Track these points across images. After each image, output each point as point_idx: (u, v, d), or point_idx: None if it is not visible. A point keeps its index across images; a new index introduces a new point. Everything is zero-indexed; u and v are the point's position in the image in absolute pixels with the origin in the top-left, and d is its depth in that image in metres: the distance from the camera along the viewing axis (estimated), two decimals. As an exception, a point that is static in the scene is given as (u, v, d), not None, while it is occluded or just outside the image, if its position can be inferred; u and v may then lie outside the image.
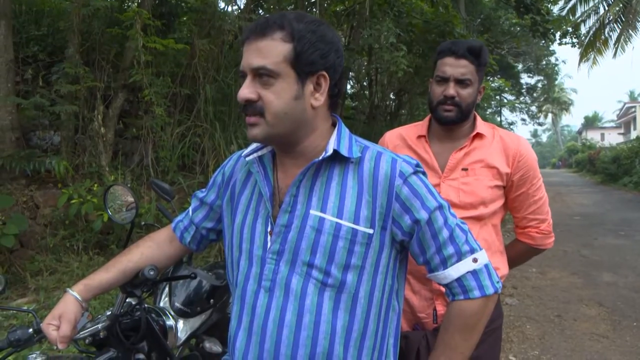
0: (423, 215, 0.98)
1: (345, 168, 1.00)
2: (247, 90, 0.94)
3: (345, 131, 1.05)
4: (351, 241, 0.96)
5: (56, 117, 4.61)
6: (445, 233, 1.00)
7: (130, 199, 1.51)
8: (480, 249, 1.04)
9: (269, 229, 1.01)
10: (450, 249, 1.01)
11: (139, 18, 4.52)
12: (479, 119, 1.61)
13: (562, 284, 5.12)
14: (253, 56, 0.94)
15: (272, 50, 0.93)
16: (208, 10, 5.52)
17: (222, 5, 6.57)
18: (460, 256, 1.01)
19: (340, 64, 1.01)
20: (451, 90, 1.49)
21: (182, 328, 1.76)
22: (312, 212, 0.98)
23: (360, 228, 0.96)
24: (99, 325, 1.27)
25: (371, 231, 0.97)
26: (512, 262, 1.68)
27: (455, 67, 1.48)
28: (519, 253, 1.71)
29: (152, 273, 1.15)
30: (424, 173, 1.05)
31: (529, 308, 4.40)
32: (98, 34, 5.05)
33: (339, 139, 1.01)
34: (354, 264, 0.97)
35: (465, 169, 1.51)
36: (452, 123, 1.53)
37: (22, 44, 4.98)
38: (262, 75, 0.93)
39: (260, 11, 8.18)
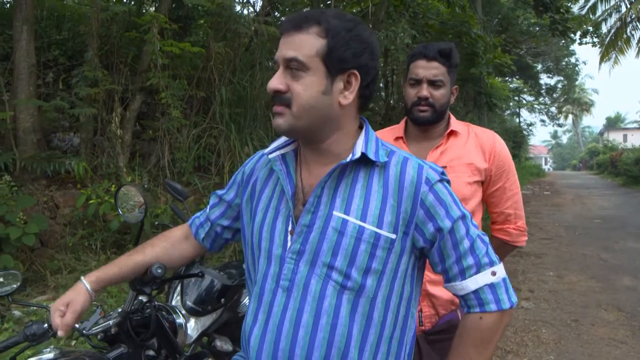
0: (447, 224, 0.98)
1: (371, 171, 1.00)
2: (277, 81, 0.96)
3: (373, 134, 1.06)
4: (373, 245, 0.96)
5: (76, 119, 4.71)
6: (466, 243, 1.00)
7: (141, 199, 1.54)
8: (499, 262, 1.03)
9: (289, 228, 1.00)
10: (470, 260, 1.00)
11: (156, 22, 4.60)
12: (453, 118, 1.67)
13: (580, 288, 5.02)
14: (286, 48, 0.96)
15: (305, 44, 0.95)
16: (224, 13, 5.57)
17: (237, 8, 6.64)
18: (479, 268, 1.00)
19: (374, 66, 1.01)
20: (424, 91, 1.55)
21: (194, 326, 1.79)
22: (335, 213, 0.97)
23: (383, 232, 0.96)
24: (110, 322, 1.31)
25: (394, 236, 0.97)
26: None
27: (427, 69, 1.55)
28: (494, 249, 1.76)
29: (159, 271, 1.17)
30: (448, 181, 1.04)
31: (545, 312, 4.33)
32: (116, 38, 5.15)
33: (366, 142, 1.01)
34: (375, 269, 0.96)
35: (443, 167, 1.55)
36: (427, 123, 1.59)
37: (44, 48, 5.11)
38: (293, 67, 0.95)
39: (276, 13, 8.24)
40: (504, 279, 1.02)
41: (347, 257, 0.95)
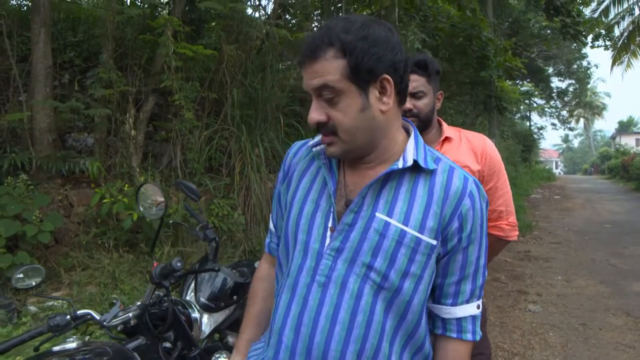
0: (466, 240, 1.01)
1: (417, 176, 1.00)
2: (315, 114, 0.96)
3: (421, 140, 1.06)
4: (413, 250, 0.96)
5: (90, 119, 4.80)
6: (472, 268, 1.03)
7: (160, 198, 1.60)
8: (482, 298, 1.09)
9: (329, 224, 1.00)
10: (467, 286, 1.03)
11: (169, 25, 4.68)
12: (444, 124, 1.77)
13: (588, 293, 5.01)
14: (311, 77, 0.94)
15: (327, 70, 0.92)
16: (236, 16, 5.64)
17: (249, 11, 6.71)
18: (470, 298, 1.04)
19: (401, 59, 0.97)
20: (407, 104, 1.64)
21: (207, 322, 1.84)
22: (378, 215, 0.97)
23: (425, 238, 0.97)
24: (130, 314, 1.36)
25: (435, 242, 0.98)
26: None
27: None
28: (489, 246, 1.84)
29: (179, 264, 1.22)
30: (487, 203, 1.06)
31: (552, 315, 4.33)
32: (131, 40, 5.24)
33: (417, 149, 1.02)
34: (413, 273, 0.97)
35: None
36: None
37: (60, 50, 5.21)
38: (326, 94, 0.94)
39: (287, 17, 8.30)
40: (481, 313, 1.08)
41: (387, 259, 0.96)
